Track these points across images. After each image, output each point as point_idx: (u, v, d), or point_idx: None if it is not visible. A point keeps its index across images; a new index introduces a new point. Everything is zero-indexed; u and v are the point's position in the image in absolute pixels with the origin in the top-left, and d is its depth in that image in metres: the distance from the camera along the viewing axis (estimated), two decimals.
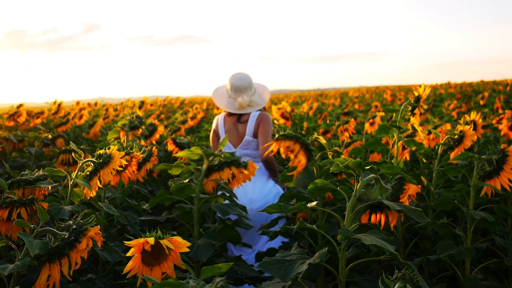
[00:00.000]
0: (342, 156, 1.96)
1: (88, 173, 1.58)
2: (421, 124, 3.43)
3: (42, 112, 4.93)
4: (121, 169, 1.83)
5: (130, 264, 1.16)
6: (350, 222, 1.34)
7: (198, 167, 1.98)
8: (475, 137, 2.24)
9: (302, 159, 1.81)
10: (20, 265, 1.18)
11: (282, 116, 4.11)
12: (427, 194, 2.38)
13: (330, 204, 2.25)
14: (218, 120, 3.18)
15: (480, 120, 2.56)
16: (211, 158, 1.94)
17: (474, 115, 2.51)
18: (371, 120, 3.86)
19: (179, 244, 1.17)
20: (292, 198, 2.05)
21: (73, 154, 1.64)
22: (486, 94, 9.50)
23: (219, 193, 2.12)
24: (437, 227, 2.20)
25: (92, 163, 1.58)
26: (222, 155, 1.96)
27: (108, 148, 1.63)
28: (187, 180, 1.92)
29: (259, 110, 3.14)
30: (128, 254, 1.15)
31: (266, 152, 2.09)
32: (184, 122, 5.80)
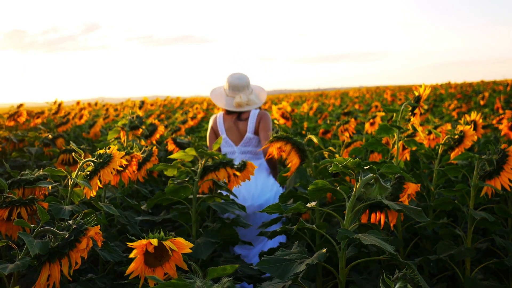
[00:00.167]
0: (337, 156, 1.97)
1: (88, 173, 1.58)
2: (421, 124, 3.43)
3: (42, 112, 4.94)
4: (121, 169, 1.83)
5: (132, 266, 1.16)
6: (349, 221, 1.34)
7: (193, 168, 1.99)
8: (476, 137, 2.24)
9: (294, 159, 1.82)
10: (20, 265, 1.18)
11: (283, 116, 4.11)
12: (427, 194, 2.38)
13: (331, 204, 2.26)
14: (216, 119, 3.19)
15: (481, 120, 2.56)
16: (205, 159, 1.95)
17: (474, 115, 2.51)
18: (371, 120, 3.86)
19: (181, 245, 1.17)
20: (290, 198, 2.05)
21: (73, 154, 1.64)
22: (486, 94, 9.50)
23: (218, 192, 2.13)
24: (437, 227, 2.20)
25: (92, 163, 1.58)
26: (216, 156, 1.97)
27: (108, 148, 1.63)
28: (185, 180, 1.93)
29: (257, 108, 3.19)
30: (131, 255, 1.15)
31: (267, 157, 2.12)
32: (184, 122, 5.80)
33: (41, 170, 1.73)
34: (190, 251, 1.17)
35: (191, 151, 1.95)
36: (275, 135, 1.84)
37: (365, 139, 3.25)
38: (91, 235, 1.25)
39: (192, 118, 6.21)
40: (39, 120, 4.76)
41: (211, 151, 1.95)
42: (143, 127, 2.52)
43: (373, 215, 1.49)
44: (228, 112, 3.17)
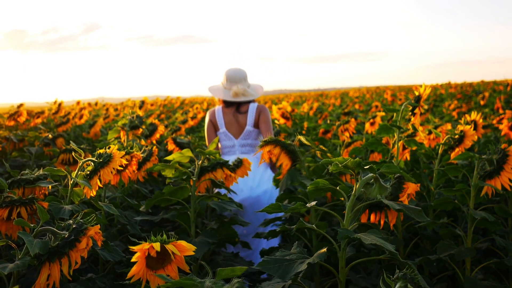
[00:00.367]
0: (329, 155, 1.97)
1: (88, 172, 1.58)
2: (421, 124, 3.43)
3: (42, 112, 4.94)
4: (121, 168, 1.83)
5: (134, 269, 1.16)
6: (349, 221, 1.33)
7: (190, 169, 1.99)
8: (476, 137, 2.24)
9: (284, 161, 1.82)
10: (20, 265, 1.18)
11: (283, 116, 4.11)
12: (427, 194, 2.38)
13: (325, 204, 2.26)
14: (215, 112, 3.20)
15: (481, 120, 2.56)
16: (202, 159, 1.97)
17: (474, 115, 2.51)
18: (371, 120, 3.86)
19: (183, 248, 1.17)
20: (285, 199, 2.05)
21: (73, 153, 1.64)
22: (486, 94, 9.50)
23: (223, 192, 2.13)
24: (437, 227, 2.20)
25: (92, 163, 1.58)
26: (213, 155, 1.98)
27: (108, 148, 1.63)
28: (175, 181, 1.94)
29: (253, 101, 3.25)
30: (133, 259, 1.14)
31: (260, 162, 2.14)
32: (184, 122, 5.80)
33: (41, 170, 1.73)
34: (192, 253, 1.17)
35: (187, 152, 1.96)
36: (263, 139, 1.85)
37: (365, 139, 3.25)
38: (91, 235, 1.25)
39: (192, 118, 6.21)
40: (39, 120, 4.76)
41: (209, 151, 1.95)
42: (143, 127, 2.52)
43: (372, 215, 1.49)
44: (226, 105, 3.19)
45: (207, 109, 9.20)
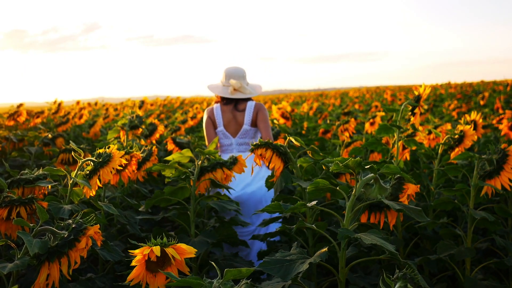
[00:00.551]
0: (321, 154, 1.97)
1: (88, 172, 1.58)
2: (421, 124, 3.43)
3: (42, 112, 4.93)
4: (121, 168, 1.83)
5: (134, 273, 1.15)
6: (349, 221, 1.33)
7: (190, 169, 1.99)
8: (476, 137, 2.23)
9: (277, 164, 1.82)
10: (20, 264, 1.18)
11: (283, 116, 4.11)
12: (427, 193, 2.38)
13: (321, 203, 2.25)
14: (213, 110, 3.19)
15: (481, 120, 2.56)
16: (201, 159, 1.96)
17: (474, 115, 2.51)
18: (371, 120, 3.86)
19: (183, 251, 1.16)
20: (280, 200, 2.05)
21: (73, 153, 1.63)
22: (486, 94, 9.50)
23: (214, 191, 2.13)
24: (437, 227, 2.20)
25: (92, 163, 1.58)
26: (213, 155, 1.97)
27: (108, 148, 1.62)
28: (174, 180, 1.94)
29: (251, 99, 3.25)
30: (133, 263, 1.14)
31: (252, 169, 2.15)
32: (184, 121, 5.80)
33: (40, 170, 1.72)
34: (193, 255, 1.17)
35: (187, 153, 1.96)
36: (254, 143, 1.84)
37: (365, 139, 3.25)
38: (91, 235, 1.25)
39: (192, 118, 6.20)
40: (39, 120, 4.76)
41: (208, 150, 1.95)
42: (143, 126, 2.52)
43: (372, 215, 1.49)
44: (224, 103, 3.18)
45: None
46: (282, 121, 4.10)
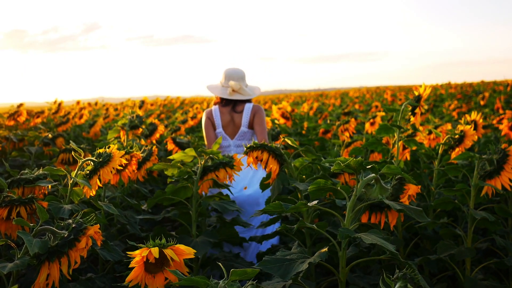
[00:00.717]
0: (317, 153, 1.97)
1: (88, 172, 1.57)
2: (421, 124, 3.43)
3: (42, 112, 4.93)
4: (121, 168, 1.83)
5: (132, 274, 1.14)
6: (350, 221, 1.33)
7: (193, 168, 1.99)
8: (476, 137, 2.23)
9: (273, 166, 1.81)
10: (20, 264, 1.18)
11: (283, 116, 4.11)
12: (427, 193, 2.38)
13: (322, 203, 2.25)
14: (212, 112, 3.19)
15: (481, 120, 2.56)
16: (205, 159, 1.96)
17: (474, 115, 2.51)
18: (371, 120, 3.86)
19: (182, 252, 1.15)
20: (275, 200, 2.05)
21: (73, 153, 1.63)
22: (486, 94, 9.50)
23: (215, 191, 2.12)
24: (438, 227, 2.20)
25: (92, 162, 1.58)
26: (216, 155, 1.97)
27: (108, 147, 1.62)
28: (184, 178, 1.93)
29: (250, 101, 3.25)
30: (131, 265, 1.14)
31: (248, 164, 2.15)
32: (184, 121, 5.80)
33: (40, 169, 1.72)
34: (192, 256, 1.16)
35: (190, 152, 1.96)
36: (249, 145, 1.83)
37: (365, 139, 3.25)
38: (91, 234, 1.25)
39: (192, 118, 6.20)
40: (39, 120, 4.76)
41: (211, 150, 1.95)
42: (143, 126, 2.52)
43: (373, 215, 1.49)
44: (223, 104, 3.18)
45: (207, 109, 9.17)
46: (282, 121, 4.10)
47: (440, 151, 2.27)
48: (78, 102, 8.82)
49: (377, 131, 2.17)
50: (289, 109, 4.15)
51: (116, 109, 10.51)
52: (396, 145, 2.09)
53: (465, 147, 2.17)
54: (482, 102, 8.77)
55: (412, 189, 1.53)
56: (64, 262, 1.22)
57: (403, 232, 2.15)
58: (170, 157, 2.03)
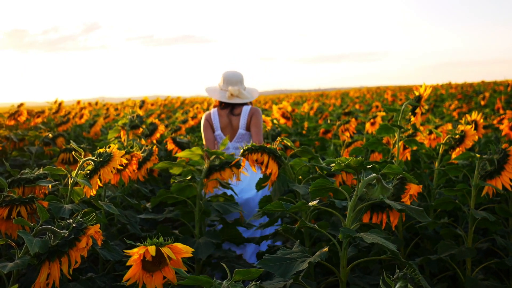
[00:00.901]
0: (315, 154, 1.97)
1: (89, 172, 1.57)
2: (422, 124, 3.43)
3: (42, 111, 4.93)
4: (122, 168, 1.83)
5: (130, 272, 1.14)
6: (351, 221, 1.33)
7: (198, 167, 1.98)
8: (476, 137, 2.23)
9: (273, 168, 1.80)
10: (20, 264, 1.18)
11: (283, 116, 4.11)
12: (428, 193, 2.37)
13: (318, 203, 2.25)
14: (211, 115, 3.22)
15: (481, 120, 2.55)
16: (212, 158, 1.96)
17: (475, 115, 2.50)
18: (372, 120, 3.86)
19: (180, 250, 1.15)
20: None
21: (73, 153, 1.63)
22: (487, 94, 9.50)
23: (219, 192, 2.12)
24: (438, 227, 2.20)
25: (92, 162, 1.58)
26: (222, 155, 1.97)
27: (109, 147, 1.62)
28: (188, 178, 1.93)
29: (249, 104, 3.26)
30: (129, 263, 1.13)
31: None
32: (184, 121, 5.80)
33: (41, 169, 1.72)
34: (190, 255, 1.16)
35: (197, 150, 1.96)
36: (246, 147, 1.82)
37: (366, 139, 3.25)
38: (91, 234, 1.25)
39: (193, 118, 6.20)
40: (39, 120, 4.76)
41: (216, 150, 1.95)
42: (144, 126, 2.52)
43: (374, 215, 1.49)
44: (222, 107, 3.21)
45: (207, 109, 9.19)
46: (282, 121, 4.10)
47: (440, 151, 2.27)
48: (78, 102, 8.82)
49: (378, 131, 2.16)
50: (289, 109, 4.15)
51: (116, 109, 10.50)
52: (396, 145, 2.09)
53: (465, 147, 2.17)
54: (482, 102, 8.77)
55: (414, 188, 1.53)
56: (64, 261, 1.22)
57: (404, 232, 2.15)
58: (177, 154, 2.03)
